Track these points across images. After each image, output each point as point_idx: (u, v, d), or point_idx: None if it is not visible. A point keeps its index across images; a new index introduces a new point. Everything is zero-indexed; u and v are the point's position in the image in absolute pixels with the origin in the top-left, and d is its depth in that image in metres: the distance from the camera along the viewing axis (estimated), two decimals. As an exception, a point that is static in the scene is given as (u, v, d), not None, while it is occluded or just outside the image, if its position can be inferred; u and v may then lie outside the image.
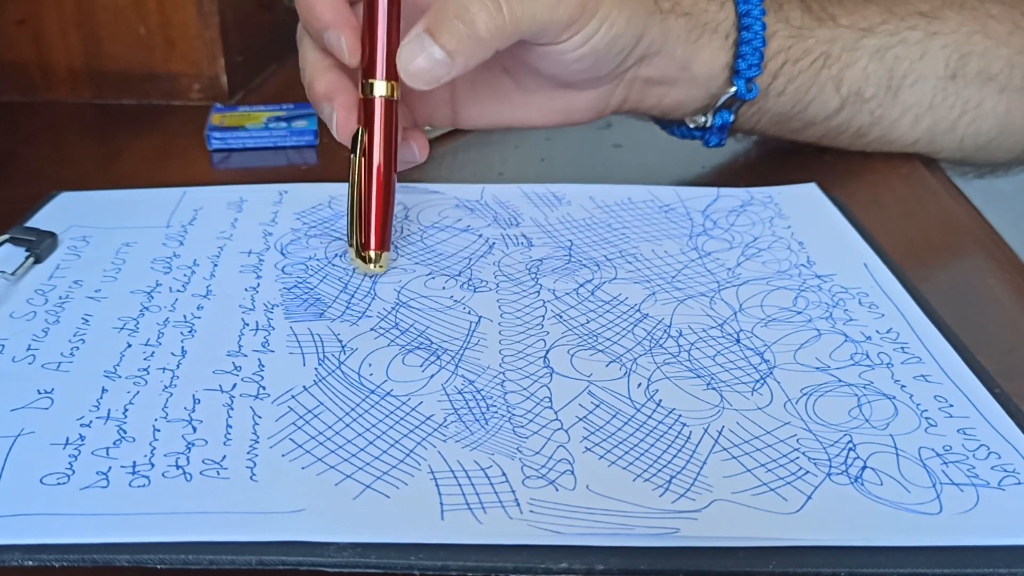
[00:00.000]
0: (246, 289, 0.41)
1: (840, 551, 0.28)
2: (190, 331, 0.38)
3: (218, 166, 0.56)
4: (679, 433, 0.33)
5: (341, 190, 0.43)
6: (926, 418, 0.33)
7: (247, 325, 0.38)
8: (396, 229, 0.46)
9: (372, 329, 0.38)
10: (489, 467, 0.31)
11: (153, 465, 0.31)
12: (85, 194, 0.49)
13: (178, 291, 0.41)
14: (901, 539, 0.28)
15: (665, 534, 0.28)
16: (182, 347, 0.37)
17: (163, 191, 0.50)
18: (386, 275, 0.42)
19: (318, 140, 0.57)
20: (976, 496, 0.30)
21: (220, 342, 0.37)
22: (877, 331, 0.38)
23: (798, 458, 0.31)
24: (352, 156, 0.41)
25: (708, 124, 0.51)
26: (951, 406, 0.34)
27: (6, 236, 0.44)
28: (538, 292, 0.41)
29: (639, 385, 0.35)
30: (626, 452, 0.32)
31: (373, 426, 0.33)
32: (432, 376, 0.35)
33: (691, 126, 0.52)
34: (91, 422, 0.33)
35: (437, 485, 0.30)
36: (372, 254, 0.41)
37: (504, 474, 0.30)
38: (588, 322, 0.39)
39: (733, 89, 0.49)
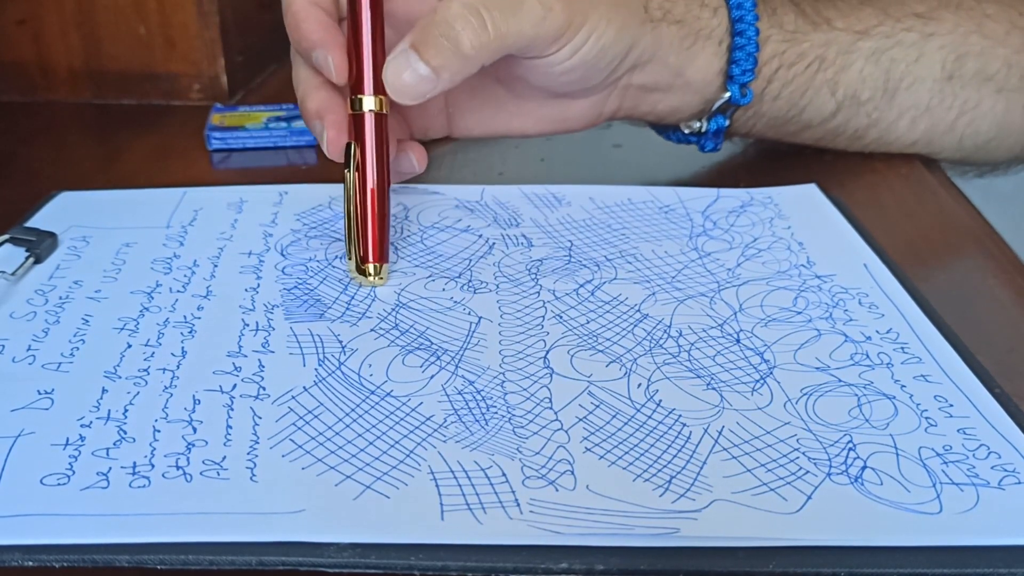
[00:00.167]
0: (246, 290, 0.41)
1: (840, 551, 0.28)
2: (190, 332, 0.38)
3: (218, 166, 0.56)
4: (679, 433, 0.33)
5: (341, 192, 0.43)
6: (926, 418, 0.33)
7: (247, 326, 0.38)
8: (396, 230, 0.46)
9: (372, 330, 0.38)
10: (489, 467, 0.31)
11: (153, 466, 0.31)
12: (85, 194, 0.49)
13: (178, 292, 0.41)
14: (901, 539, 0.28)
15: (665, 534, 0.28)
16: (182, 347, 0.37)
17: (163, 191, 0.50)
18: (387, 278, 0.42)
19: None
20: (976, 496, 0.30)
21: (220, 343, 0.37)
22: (877, 331, 0.38)
23: (798, 458, 0.31)
24: (346, 171, 0.41)
25: (703, 129, 0.51)
26: (951, 406, 0.34)
27: (6, 236, 0.44)
28: (538, 292, 0.41)
29: (639, 385, 0.35)
30: (626, 452, 0.32)
31: (373, 427, 0.33)
32: (432, 377, 0.35)
33: (686, 131, 0.52)
34: (91, 423, 0.33)
35: (437, 485, 0.30)
36: (371, 267, 0.41)
37: (504, 474, 0.31)
38: (588, 322, 0.39)
39: (727, 95, 0.49)
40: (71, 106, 0.65)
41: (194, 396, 0.34)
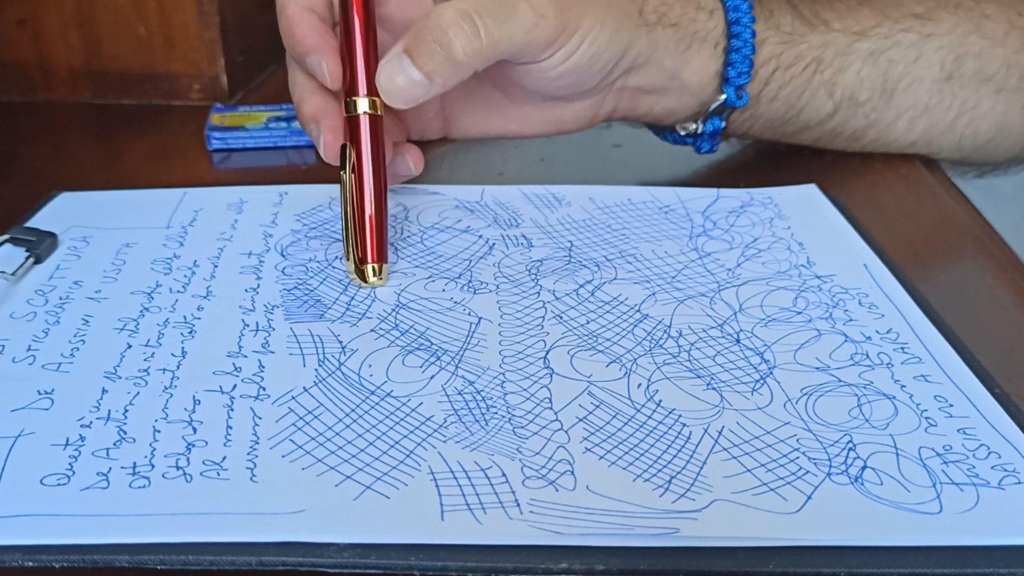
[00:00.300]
0: (246, 290, 0.41)
1: (840, 551, 0.28)
2: (190, 332, 0.38)
3: (218, 166, 0.56)
4: (679, 433, 0.33)
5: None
6: (926, 418, 0.33)
7: (247, 326, 0.38)
8: (396, 230, 0.46)
9: (372, 330, 0.38)
10: (489, 468, 0.31)
11: (153, 466, 0.31)
12: (85, 194, 0.49)
13: (178, 292, 0.41)
14: (901, 539, 0.28)
15: (665, 534, 0.28)
16: (182, 348, 0.37)
17: (163, 192, 0.50)
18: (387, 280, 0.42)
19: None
20: (976, 496, 0.30)
21: (220, 343, 0.37)
22: (877, 331, 0.38)
23: (798, 458, 0.31)
24: (342, 173, 0.41)
25: (699, 131, 0.51)
26: (951, 406, 0.34)
27: (6, 236, 0.44)
28: (538, 293, 0.41)
29: (639, 385, 0.35)
30: (626, 452, 0.32)
31: (373, 427, 0.33)
32: (432, 377, 0.35)
33: (682, 133, 0.52)
34: (91, 423, 0.33)
35: (437, 486, 0.30)
36: (371, 268, 0.41)
37: (504, 475, 0.31)
38: (588, 323, 0.39)
39: (723, 97, 0.49)
40: (71, 106, 0.65)
41: (194, 396, 0.34)
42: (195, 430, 0.33)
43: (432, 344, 0.37)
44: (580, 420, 0.33)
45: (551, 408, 0.34)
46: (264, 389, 0.35)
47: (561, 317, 0.39)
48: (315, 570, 0.27)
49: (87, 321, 0.39)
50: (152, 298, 0.40)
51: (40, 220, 0.47)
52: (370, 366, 0.36)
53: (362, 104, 0.42)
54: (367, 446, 0.32)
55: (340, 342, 0.37)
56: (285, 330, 0.38)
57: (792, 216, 0.47)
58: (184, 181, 0.51)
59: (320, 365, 0.36)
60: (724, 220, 0.47)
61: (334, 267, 0.43)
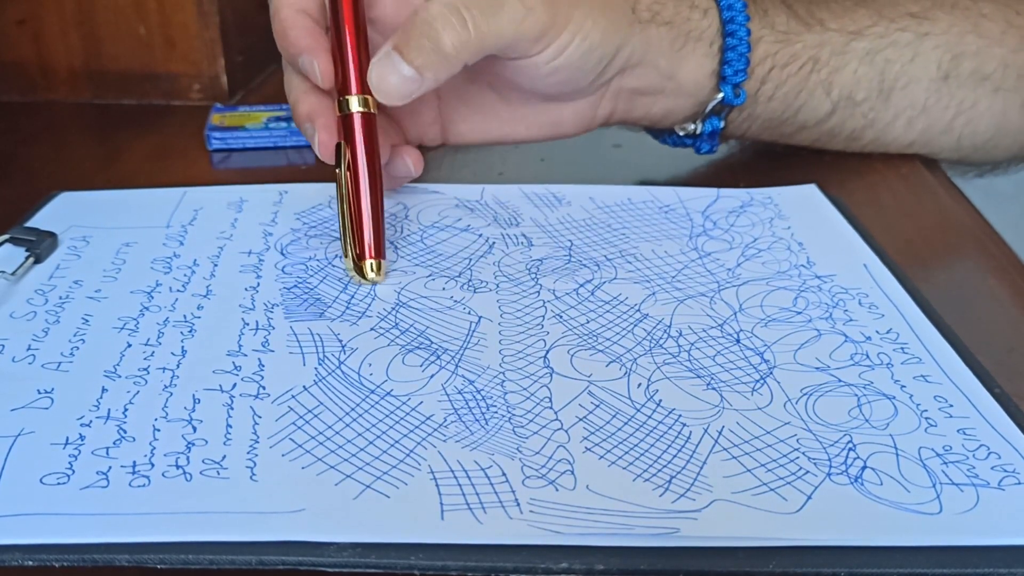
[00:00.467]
0: (246, 289, 0.41)
1: (840, 551, 0.28)
2: (190, 331, 0.38)
3: (218, 166, 0.56)
4: (679, 433, 0.33)
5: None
6: (926, 418, 0.33)
7: (247, 325, 0.38)
8: (396, 229, 0.46)
9: (372, 329, 0.38)
10: (489, 467, 0.31)
11: (153, 465, 0.31)
12: (85, 194, 0.49)
13: (178, 291, 0.41)
14: (901, 539, 0.28)
15: (665, 534, 0.28)
16: (182, 347, 0.37)
17: (163, 191, 0.50)
18: (386, 276, 0.42)
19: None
20: (976, 496, 0.30)
21: (220, 342, 0.37)
22: (877, 331, 0.38)
23: (798, 458, 0.31)
24: (337, 170, 0.42)
25: (698, 131, 0.51)
26: (951, 406, 0.34)
27: (6, 236, 0.44)
28: (538, 292, 0.41)
29: (639, 385, 0.35)
30: (626, 452, 0.32)
31: (373, 426, 0.33)
32: (432, 376, 0.35)
33: (681, 134, 0.52)
34: (91, 422, 0.33)
35: (437, 485, 0.30)
36: (370, 264, 0.41)
37: (504, 474, 0.31)
38: (588, 322, 0.39)
39: (720, 95, 0.49)
40: (71, 106, 0.65)
41: (194, 395, 0.34)
42: (195, 429, 0.33)
43: (432, 343, 0.37)
44: (580, 420, 0.33)
45: (551, 407, 0.34)
46: (264, 388, 0.35)
47: (561, 316, 0.39)
48: (315, 569, 0.27)
49: (87, 320, 0.39)
50: (152, 297, 0.40)
51: (40, 220, 0.47)
52: (370, 365, 0.36)
53: (355, 102, 0.42)
54: (367, 445, 0.32)
55: (340, 341, 0.37)
56: (285, 329, 0.38)
57: (792, 216, 0.47)
58: (184, 181, 0.51)
59: (320, 364, 0.36)
60: (724, 220, 0.47)
61: (334, 266, 0.43)
